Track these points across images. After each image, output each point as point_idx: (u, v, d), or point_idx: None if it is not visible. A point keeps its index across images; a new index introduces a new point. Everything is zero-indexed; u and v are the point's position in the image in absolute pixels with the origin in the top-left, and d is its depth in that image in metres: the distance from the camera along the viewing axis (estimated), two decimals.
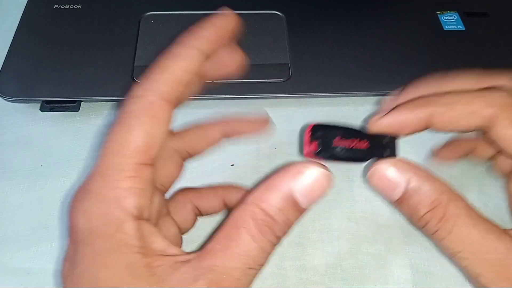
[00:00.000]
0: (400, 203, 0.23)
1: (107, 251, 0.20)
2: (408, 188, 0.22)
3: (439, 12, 0.42)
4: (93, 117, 0.37)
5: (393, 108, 0.25)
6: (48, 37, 0.39)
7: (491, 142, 0.25)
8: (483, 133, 0.25)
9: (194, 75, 0.22)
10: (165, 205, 0.27)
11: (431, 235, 0.22)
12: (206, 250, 0.20)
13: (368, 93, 0.37)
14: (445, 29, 0.40)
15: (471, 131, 0.25)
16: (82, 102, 0.36)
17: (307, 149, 0.23)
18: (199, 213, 0.29)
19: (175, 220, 0.27)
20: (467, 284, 0.29)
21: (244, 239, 0.20)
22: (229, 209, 0.29)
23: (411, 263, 0.30)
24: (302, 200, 0.21)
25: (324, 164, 0.22)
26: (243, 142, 0.35)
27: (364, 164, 0.25)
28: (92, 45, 0.38)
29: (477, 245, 0.21)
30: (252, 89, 0.36)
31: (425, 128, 0.25)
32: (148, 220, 0.21)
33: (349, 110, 0.37)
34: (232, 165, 0.34)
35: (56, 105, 0.36)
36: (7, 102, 0.35)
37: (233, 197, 0.29)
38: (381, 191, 0.23)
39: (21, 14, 0.40)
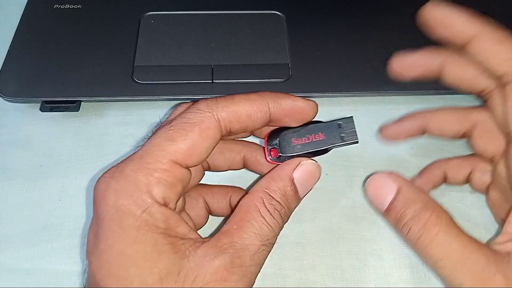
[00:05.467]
0: (388, 212, 0.25)
1: (135, 228, 0.21)
2: (396, 197, 0.24)
3: None
4: (93, 117, 0.37)
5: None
6: (48, 37, 0.39)
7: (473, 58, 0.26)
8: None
9: (253, 121, 0.24)
10: (183, 202, 0.27)
11: (415, 243, 0.23)
12: (223, 231, 0.23)
13: (368, 93, 0.37)
14: None
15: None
16: (82, 102, 0.36)
17: (268, 156, 0.26)
18: (209, 210, 0.29)
19: (190, 215, 0.28)
20: None
21: (257, 220, 0.23)
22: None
23: (411, 263, 0.30)
24: (299, 188, 0.25)
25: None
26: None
27: (327, 153, 0.26)
28: (92, 45, 0.38)
29: (459, 254, 0.22)
30: (252, 89, 0.36)
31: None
32: (175, 211, 0.23)
33: (349, 110, 0.37)
34: None
35: (56, 105, 0.36)
36: (7, 102, 0.35)
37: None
38: (375, 200, 0.26)
39: (21, 14, 0.40)
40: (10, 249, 0.30)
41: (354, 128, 0.26)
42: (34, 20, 0.40)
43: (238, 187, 0.30)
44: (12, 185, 0.33)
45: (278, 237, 0.24)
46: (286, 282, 0.29)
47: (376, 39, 0.40)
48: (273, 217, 0.23)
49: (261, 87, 0.36)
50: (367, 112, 0.37)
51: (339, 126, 0.26)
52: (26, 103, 0.36)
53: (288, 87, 0.36)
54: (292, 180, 0.24)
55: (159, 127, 0.24)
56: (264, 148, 0.27)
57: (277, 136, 0.26)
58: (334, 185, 0.33)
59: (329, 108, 0.37)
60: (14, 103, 0.36)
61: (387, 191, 0.25)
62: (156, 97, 0.36)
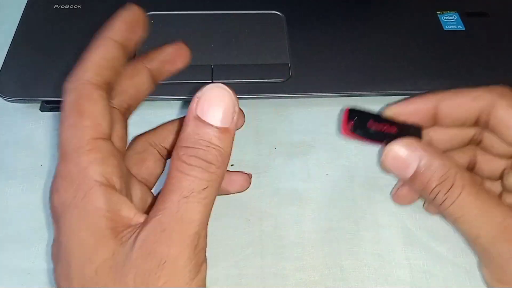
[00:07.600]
0: (413, 180, 0.26)
1: (76, 218, 0.20)
2: (420, 166, 0.25)
3: (439, 12, 0.42)
4: None
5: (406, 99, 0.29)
6: (48, 37, 0.39)
7: (491, 131, 0.28)
8: (484, 124, 0.28)
9: (117, 62, 0.24)
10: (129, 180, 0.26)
11: (439, 206, 0.25)
12: (157, 209, 0.21)
13: (368, 93, 0.37)
14: (445, 29, 0.40)
15: (473, 123, 0.28)
16: None
17: (345, 127, 0.26)
18: (167, 154, 0.29)
19: (141, 176, 0.27)
20: (467, 284, 0.29)
21: (180, 179, 0.20)
22: None
23: (410, 263, 0.30)
24: (208, 118, 0.21)
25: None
26: (243, 141, 0.35)
27: None
28: None
29: (477, 210, 0.24)
30: (252, 89, 0.36)
31: (433, 118, 0.28)
32: (118, 190, 0.21)
33: None
34: (232, 165, 0.34)
35: (56, 105, 0.36)
36: (7, 102, 0.35)
37: None
38: (395, 170, 0.26)
39: (21, 14, 0.40)
40: (10, 249, 0.30)
41: (421, 137, 0.28)
42: (34, 20, 0.40)
43: (179, 119, 0.29)
44: (12, 185, 0.33)
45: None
46: (286, 282, 0.29)
47: (376, 39, 0.40)
48: (193, 166, 0.20)
49: (261, 87, 0.36)
50: None
51: (410, 130, 0.28)
52: (26, 103, 0.36)
53: (288, 87, 0.36)
54: (193, 116, 0.21)
55: None
56: (343, 119, 0.26)
57: (357, 112, 0.27)
58: (334, 185, 0.33)
59: (329, 108, 0.37)
60: (14, 103, 0.36)
61: (409, 160, 0.26)
62: (156, 97, 0.36)
